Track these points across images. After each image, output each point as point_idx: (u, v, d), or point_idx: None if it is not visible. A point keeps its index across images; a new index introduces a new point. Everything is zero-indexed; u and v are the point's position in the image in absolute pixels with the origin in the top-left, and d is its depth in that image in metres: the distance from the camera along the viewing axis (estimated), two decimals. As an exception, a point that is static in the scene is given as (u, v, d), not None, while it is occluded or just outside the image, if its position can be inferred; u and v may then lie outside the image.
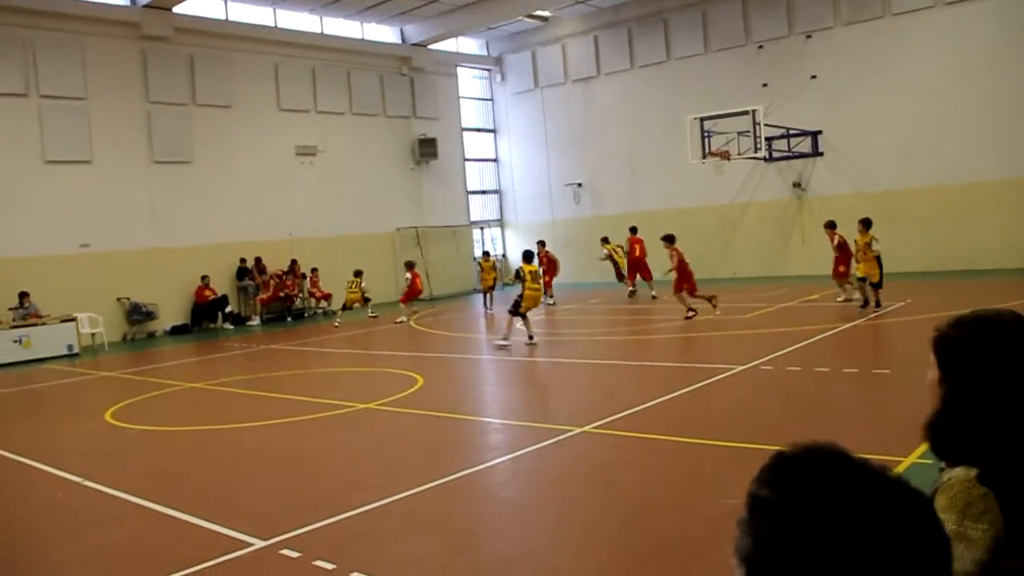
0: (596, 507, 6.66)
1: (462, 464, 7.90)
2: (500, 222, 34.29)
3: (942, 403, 2.24)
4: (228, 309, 24.28)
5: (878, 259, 16.33)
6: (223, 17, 25.38)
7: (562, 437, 8.62)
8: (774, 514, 1.11)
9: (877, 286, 16.50)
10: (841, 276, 18.12)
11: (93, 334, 20.66)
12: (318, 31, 27.84)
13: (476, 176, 33.69)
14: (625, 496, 6.82)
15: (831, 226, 18.25)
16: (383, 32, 29.81)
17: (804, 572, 1.06)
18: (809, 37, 25.73)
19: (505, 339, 16.07)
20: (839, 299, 18.17)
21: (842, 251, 17.82)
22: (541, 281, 17.02)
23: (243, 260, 25.14)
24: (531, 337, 16.00)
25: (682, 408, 9.73)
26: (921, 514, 1.11)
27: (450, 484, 7.33)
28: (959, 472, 2.17)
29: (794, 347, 13.24)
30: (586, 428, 8.86)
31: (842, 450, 1.16)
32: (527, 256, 17.19)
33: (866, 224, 16.74)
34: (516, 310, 16.24)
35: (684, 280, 17.71)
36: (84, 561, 6.24)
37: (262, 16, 26.39)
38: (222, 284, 24.59)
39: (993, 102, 22.55)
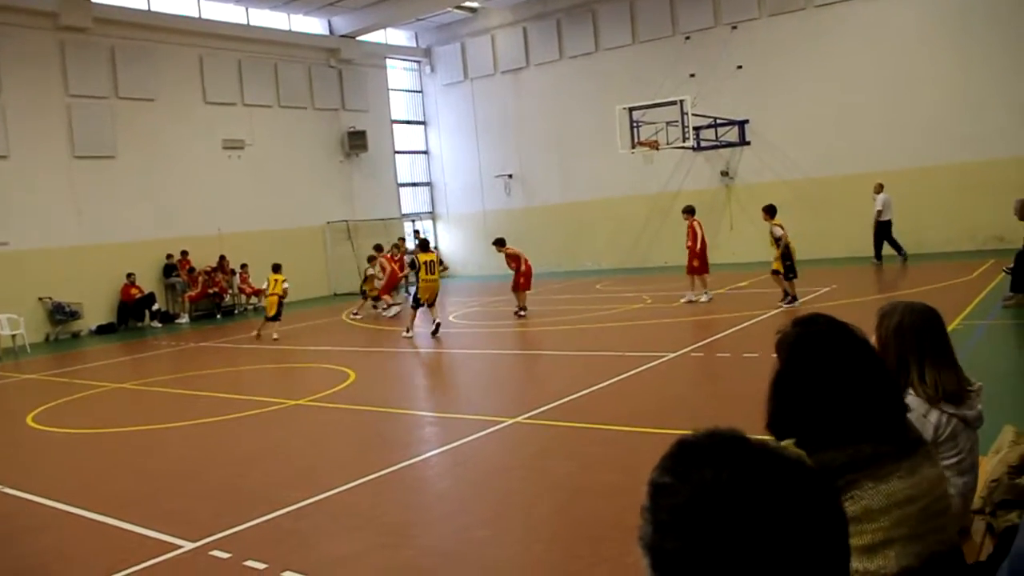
0: (532, 496, 6.67)
1: (396, 458, 7.85)
2: (431, 214, 34.16)
3: (771, 388, 2.63)
4: (155, 307, 23.80)
5: (785, 248, 15.64)
6: (145, 7, 24.79)
7: (495, 428, 8.62)
8: (674, 500, 1.10)
9: (786, 277, 15.70)
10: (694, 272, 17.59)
11: (13, 335, 20.01)
12: (244, 23, 27.39)
13: (407, 168, 33.49)
14: (560, 485, 6.84)
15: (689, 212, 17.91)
16: (310, 23, 29.44)
17: (705, 556, 1.05)
18: (735, 28, 26.07)
19: (408, 331, 16.23)
20: (683, 298, 17.72)
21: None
22: (438, 271, 16.87)
23: (170, 256, 24.66)
24: (408, 330, 16.22)
25: (614, 396, 9.78)
26: (818, 492, 1.12)
27: (384, 478, 7.28)
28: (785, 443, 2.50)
29: (724, 333, 13.44)
30: (519, 418, 8.88)
31: (742, 434, 1.16)
32: (423, 245, 17.32)
33: (768, 211, 16.20)
34: (416, 303, 16.42)
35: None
36: (4, 571, 6.05)
37: (186, 7, 25.85)
38: (149, 281, 24.09)
39: (913, 91, 23.14)
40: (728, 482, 1.08)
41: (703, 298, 17.39)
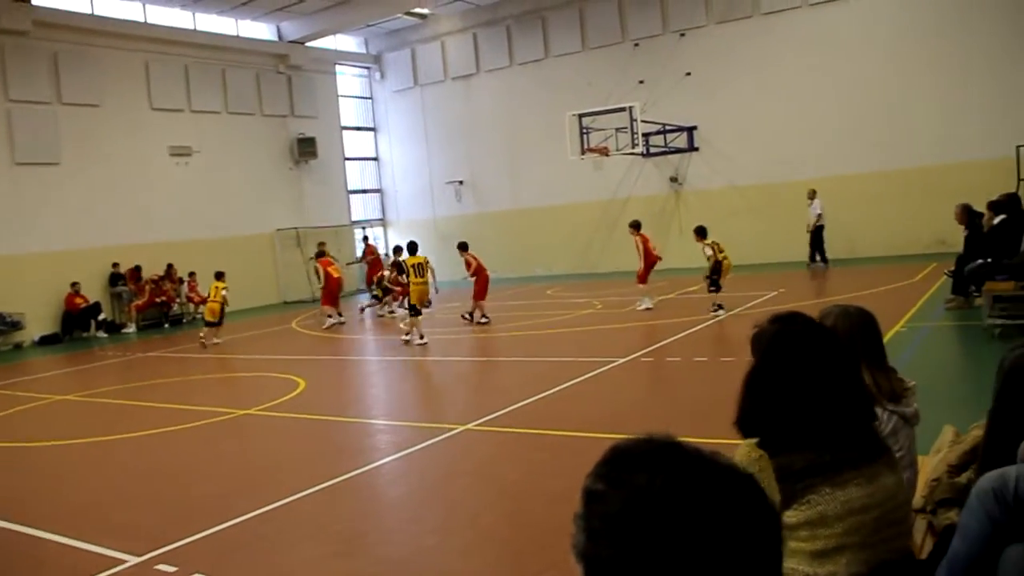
0: (481, 503, 6.67)
1: (346, 467, 7.79)
2: (382, 221, 34.01)
3: (743, 384, 2.63)
4: (101, 317, 23.38)
5: (715, 264, 16.09)
6: (88, 11, 24.39)
7: (446, 435, 8.60)
8: (607, 507, 1.11)
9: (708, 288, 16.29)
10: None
11: (-47, 346, 19.58)
12: (191, 27, 27.06)
13: (357, 175, 33.33)
14: (509, 491, 6.85)
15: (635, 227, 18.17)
16: (259, 29, 29.18)
17: (638, 561, 1.06)
18: (683, 35, 26.34)
19: (408, 336, 15.89)
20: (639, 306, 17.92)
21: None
22: (429, 273, 16.39)
23: (116, 265, 24.25)
24: (421, 336, 15.72)
25: (565, 402, 9.81)
26: (749, 497, 1.13)
27: (334, 487, 7.22)
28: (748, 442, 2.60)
29: (674, 338, 13.54)
30: (469, 426, 8.87)
31: (675, 440, 1.17)
32: (411, 247, 16.89)
33: (699, 233, 16.56)
34: (412, 309, 16.02)
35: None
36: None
37: (131, 11, 25.48)
38: (94, 290, 23.65)
39: (857, 98, 23.57)
40: (661, 488, 1.09)
41: (642, 306, 17.43)
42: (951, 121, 22.36)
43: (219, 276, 18.59)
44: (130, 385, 14.34)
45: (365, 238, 26.70)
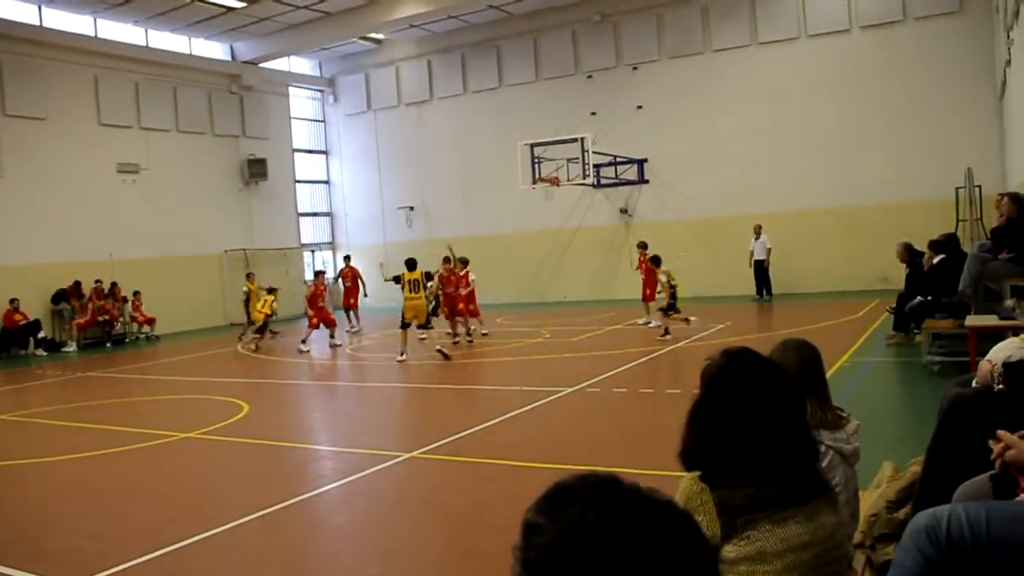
0: (424, 532, 6.63)
1: (287, 493, 7.69)
2: (331, 245, 33.84)
3: (688, 416, 2.64)
4: (41, 334, 22.87)
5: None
6: (36, 23, 24.02)
7: (391, 463, 8.54)
8: (543, 539, 1.14)
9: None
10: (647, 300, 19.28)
11: None
12: (142, 44, 26.78)
13: (307, 198, 33.16)
14: (453, 520, 6.82)
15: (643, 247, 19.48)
16: (212, 48, 28.98)
17: None
18: (635, 69, 26.71)
19: (402, 354, 15.99)
20: (640, 321, 19.35)
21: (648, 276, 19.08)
22: (423, 290, 16.67)
23: (67, 287, 23.77)
24: (402, 353, 15.94)
25: (511, 431, 9.81)
26: (683, 534, 1.16)
27: (275, 514, 7.12)
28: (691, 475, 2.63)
29: (621, 369, 13.60)
30: (414, 453, 8.82)
31: (614, 476, 1.20)
32: (409, 264, 16.98)
33: (654, 261, 18.14)
34: (402, 324, 16.38)
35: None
36: None
37: (81, 25, 25.15)
38: (35, 307, 23.15)
39: (804, 135, 24.08)
40: (594, 522, 1.12)
41: (652, 323, 18.59)
42: (895, 162, 22.94)
43: (269, 291, 20.62)
44: (68, 405, 14.05)
45: (347, 257, 25.74)
